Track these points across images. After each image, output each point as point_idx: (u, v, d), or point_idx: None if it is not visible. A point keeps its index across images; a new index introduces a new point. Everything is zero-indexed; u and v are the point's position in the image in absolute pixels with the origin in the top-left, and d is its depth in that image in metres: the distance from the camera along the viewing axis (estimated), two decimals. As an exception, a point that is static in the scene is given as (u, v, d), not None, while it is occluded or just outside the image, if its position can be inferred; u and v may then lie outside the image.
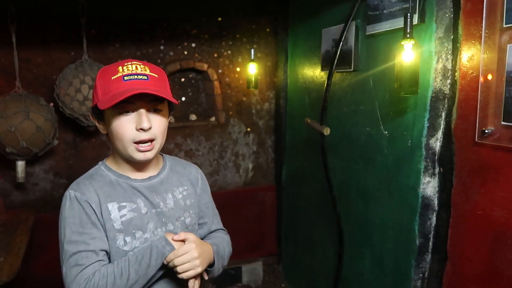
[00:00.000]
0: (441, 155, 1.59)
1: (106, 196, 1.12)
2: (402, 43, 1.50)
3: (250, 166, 3.32)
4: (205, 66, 3.02)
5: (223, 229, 1.39)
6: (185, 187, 1.26)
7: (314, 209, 2.59)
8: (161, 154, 1.29)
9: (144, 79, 1.08)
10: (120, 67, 1.09)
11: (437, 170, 1.61)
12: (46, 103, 2.44)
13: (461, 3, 1.47)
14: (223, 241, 1.31)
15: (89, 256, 1.06)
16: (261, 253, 3.34)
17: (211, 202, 1.37)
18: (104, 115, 1.12)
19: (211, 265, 1.20)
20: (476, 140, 1.41)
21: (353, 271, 2.15)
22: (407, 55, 1.49)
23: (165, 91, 1.11)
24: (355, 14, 1.93)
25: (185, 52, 2.99)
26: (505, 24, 1.27)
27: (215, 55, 3.08)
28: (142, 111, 1.08)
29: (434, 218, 1.63)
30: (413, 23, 1.51)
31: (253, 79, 2.97)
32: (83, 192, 1.11)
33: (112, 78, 1.08)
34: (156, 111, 1.11)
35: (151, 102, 1.09)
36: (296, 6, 2.78)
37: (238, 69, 3.16)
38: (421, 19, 1.57)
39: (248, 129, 3.27)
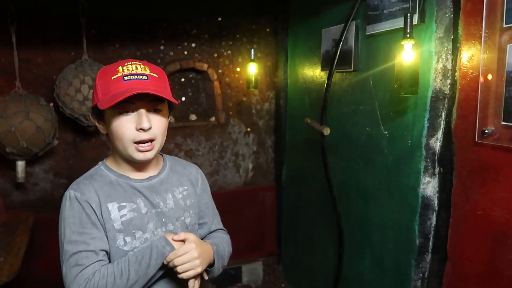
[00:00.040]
0: (441, 155, 1.59)
1: (106, 196, 1.12)
2: (402, 43, 1.50)
3: (250, 166, 3.32)
4: (205, 66, 3.02)
5: (223, 229, 1.39)
6: (185, 187, 1.26)
7: (314, 209, 2.59)
8: (161, 154, 1.29)
9: (144, 79, 1.08)
10: (120, 67, 1.09)
11: (437, 170, 1.61)
12: (46, 103, 2.44)
13: (461, 3, 1.47)
14: (223, 241, 1.31)
15: (89, 256, 1.06)
16: (261, 253, 3.34)
17: (211, 202, 1.37)
18: (104, 115, 1.12)
19: (211, 265, 1.20)
20: (476, 140, 1.41)
21: (353, 271, 2.15)
22: (407, 55, 1.49)
23: (165, 91, 1.11)
24: (355, 14, 1.93)
25: (185, 52, 2.99)
26: (505, 24, 1.27)
27: (215, 55, 3.08)
28: (142, 111, 1.08)
29: (434, 218, 1.63)
30: (413, 23, 1.51)
31: (253, 79, 2.96)
32: (83, 192, 1.11)
33: (112, 78, 1.08)
34: (156, 111, 1.11)
35: (151, 102, 1.09)
36: (296, 6, 2.78)
37: (238, 69, 3.15)
38: (421, 19, 1.57)
39: (248, 129, 3.27)
